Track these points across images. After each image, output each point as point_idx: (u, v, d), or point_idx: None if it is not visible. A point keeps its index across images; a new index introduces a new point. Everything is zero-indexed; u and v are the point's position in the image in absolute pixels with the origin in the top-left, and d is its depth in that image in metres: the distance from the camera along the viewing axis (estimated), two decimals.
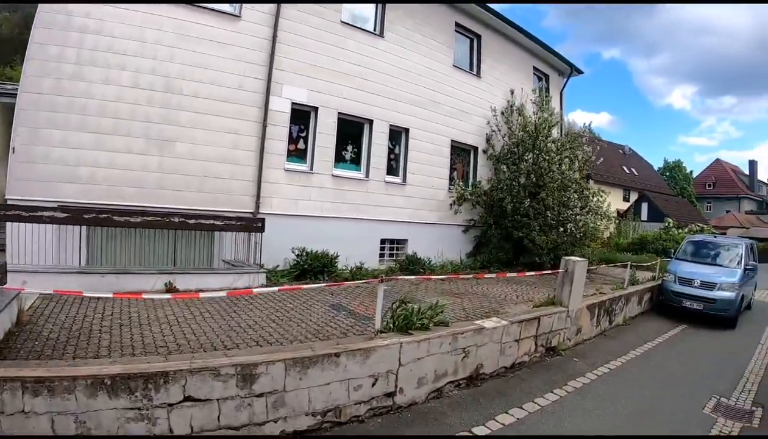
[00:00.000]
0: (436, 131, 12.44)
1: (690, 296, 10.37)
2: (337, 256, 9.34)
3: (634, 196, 41.16)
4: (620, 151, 48.97)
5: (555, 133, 13.88)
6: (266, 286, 7.90)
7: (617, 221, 30.50)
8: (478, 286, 9.69)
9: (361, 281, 6.98)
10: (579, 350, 7.53)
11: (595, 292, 9.36)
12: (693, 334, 9.55)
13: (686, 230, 24.76)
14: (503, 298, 8.72)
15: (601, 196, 13.87)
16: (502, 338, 5.99)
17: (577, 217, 12.57)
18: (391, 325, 5.19)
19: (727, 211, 51.69)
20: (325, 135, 10.17)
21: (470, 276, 8.91)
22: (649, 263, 13.28)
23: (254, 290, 6.67)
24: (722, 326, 10.07)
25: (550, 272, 8.77)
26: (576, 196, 12.86)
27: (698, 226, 28.12)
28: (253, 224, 8.34)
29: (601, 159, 14.77)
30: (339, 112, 10.37)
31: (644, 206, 38.43)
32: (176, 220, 7.56)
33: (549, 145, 12.88)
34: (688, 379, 6.61)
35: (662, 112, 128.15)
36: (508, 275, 8.64)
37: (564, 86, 17.93)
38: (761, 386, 6.52)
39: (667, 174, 53.75)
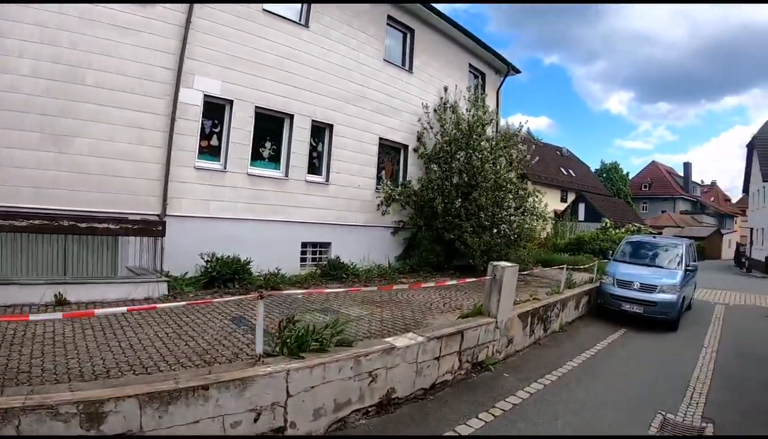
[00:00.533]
0: (363, 128, 12.58)
1: (629, 299, 10.57)
2: (250, 261, 9.24)
3: (571, 197, 43.22)
4: (558, 152, 51.35)
5: (490, 131, 14.30)
6: (168, 296, 7.67)
7: (555, 222, 32.19)
8: (404, 293, 9.69)
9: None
10: (511, 364, 7.35)
11: (530, 297, 9.34)
12: (633, 339, 9.70)
13: (623, 229, 26.18)
14: (428, 306, 8.71)
15: (537, 196, 14.35)
16: (418, 357, 5.65)
17: (512, 218, 12.96)
18: (279, 348, 4.75)
19: (663, 212, 55.95)
20: (240, 130, 10.05)
21: (394, 287, 8.17)
22: (586, 265, 13.79)
23: (158, 305, 6.19)
24: (664, 329, 10.33)
25: (474, 279, 8.52)
26: (511, 196, 13.24)
27: (635, 226, 30.08)
28: (152, 228, 8.12)
29: (537, 158, 15.50)
30: (257, 106, 10.27)
31: (581, 207, 40.55)
32: (65, 223, 7.24)
33: (483, 143, 13.28)
34: (630, 393, 6.43)
35: (600, 117, 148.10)
36: (423, 285, 8.50)
37: (501, 85, 18.57)
38: (709, 398, 6.45)
39: (604, 175, 57.21)
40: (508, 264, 7.46)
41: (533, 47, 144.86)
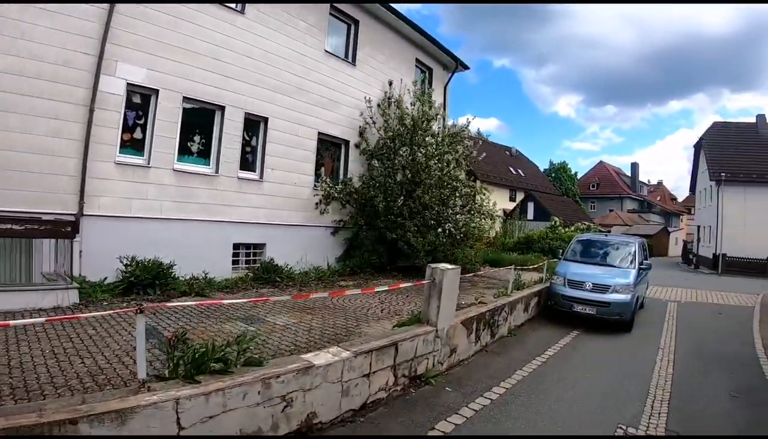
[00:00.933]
0: (300, 122, 12.50)
1: (581, 300, 10.58)
2: (173, 265, 9.03)
3: (520, 196, 44.66)
4: (507, 152, 53.28)
5: (436, 127, 14.48)
6: (79, 304, 7.40)
7: (504, 221, 33.15)
8: (339, 298, 9.50)
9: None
10: (454, 375, 7.00)
11: (475, 301, 9.17)
12: (587, 341, 9.62)
13: (573, 228, 27.22)
14: (365, 312, 8.59)
15: (484, 194, 14.63)
16: (343, 375, 5.15)
17: (458, 216, 13.12)
18: (170, 371, 4.23)
19: (611, 210, 58.77)
20: (167, 123, 9.77)
21: (312, 296, 7.30)
22: (536, 265, 14.10)
23: (81, 315, 6.02)
24: (617, 330, 10.41)
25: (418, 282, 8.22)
26: (457, 194, 13.45)
27: (584, 224, 31.28)
28: (60, 229, 7.73)
29: (484, 154, 15.79)
30: (185, 97, 10.03)
31: (530, 206, 41.93)
32: None
33: (428, 139, 13.44)
34: (586, 406, 6.19)
35: (549, 119, 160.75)
36: (344, 292, 8.46)
37: (449, 81, 18.94)
38: (672, 405, 6.33)
39: (553, 175, 59.69)
40: (449, 266, 7.07)
41: (484, 50, 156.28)
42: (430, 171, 13.03)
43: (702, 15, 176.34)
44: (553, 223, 27.83)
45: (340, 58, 13.94)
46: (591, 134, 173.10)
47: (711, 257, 33.37)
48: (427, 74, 18.06)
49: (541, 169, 59.55)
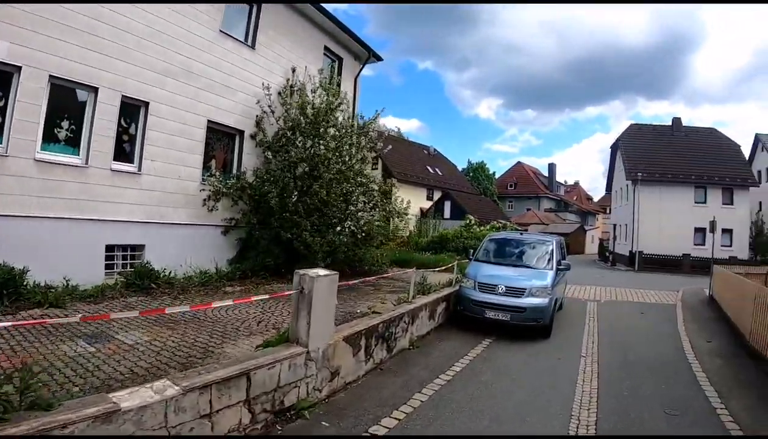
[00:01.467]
0: (187, 108, 11.98)
1: (494, 305, 10.35)
2: (26, 271, 8.35)
3: (438, 195, 46.04)
4: (425, 152, 55.21)
5: (341, 118, 14.35)
6: None
7: (419, 220, 33.86)
8: (216, 307, 8.56)
9: None
10: (336, 404, 6.30)
11: (369, 310, 8.81)
12: (501, 352, 9.31)
13: (489, 226, 28.14)
14: (238, 326, 8.03)
15: (391, 190, 14.72)
16: (169, 419, 4.25)
17: (360, 214, 13.08)
18: None
19: (528, 209, 62.00)
20: (29, 105, 9.00)
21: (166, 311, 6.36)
22: (447, 265, 14.13)
23: None
24: (535, 337, 10.28)
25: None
26: (361, 190, 13.35)
27: (500, 222, 32.55)
28: None
29: (389, 146, 15.86)
30: (52, 76, 9.30)
31: (447, 204, 43.14)
32: None
33: (330, 130, 13.36)
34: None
35: (470, 121, 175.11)
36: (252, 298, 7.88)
37: (360, 72, 19.04)
38: (600, 428, 6.02)
39: (471, 175, 62.22)
40: (323, 272, 6.35)
41: (410, 52, 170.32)
42: (329, 164, 12.83)
43: (621, 27, 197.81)
44: (468, 221, 28.61)
45: (238, 40, 13.54)
46: (510, 137, 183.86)
47: (628, 254, 36.86)
48: (336, 64, 18.00)
49: (460, 169, 61.60)
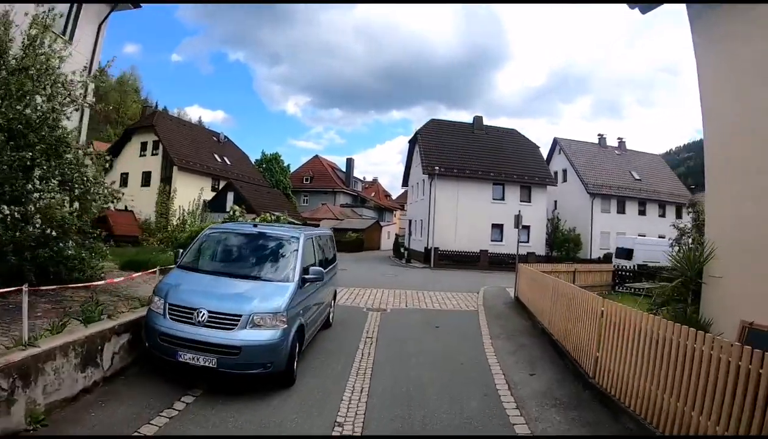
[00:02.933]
0: None
1: (190, 343, 6.63)
2: None
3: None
4: (214, 138, 51.82)
5: (44, 57, 9.49)
6: None
7: (201, 213, 30.13)
8: None
9: None
10: None
11: None
12: (204, 421, 5.96)
13: (259, 218, 25.09)
14: None
15: (94, 161, 10.61)
16: None
17: (35, 195, 8.67)
18: None
19: (323, 204, 60.81)
20: None
21: None
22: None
23: None
24: (269, 387, 7.01)
25: None
26: (43, 158, 9.02)
27: (274, 215, 29.70)
28: None
29: (100, 104, 12.28)
30: None
31: (230, 196, 40.14)
32: None
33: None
34: None
35: (276, 116, 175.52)
36: None
37: (106, 18, 15.43)
38: None
39: (264, 166, 58.89)
40: None
41: (223, 41, 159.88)
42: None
43: (432, 41, 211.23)
44: (231, 212, 24.52)
45: None
46: (315, 134, 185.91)
47: (423, 250, 35.60)
48: (75, 7, 14.57)
49: (254, 161, 58.81)
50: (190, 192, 32.69)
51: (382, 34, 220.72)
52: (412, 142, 43.24)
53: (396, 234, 59.89)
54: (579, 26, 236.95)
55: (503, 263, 32.36)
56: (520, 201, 36.21)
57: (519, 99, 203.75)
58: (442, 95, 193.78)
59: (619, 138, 50.62)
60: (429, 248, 34.99)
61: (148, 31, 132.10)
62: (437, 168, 35.32)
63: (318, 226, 51.50)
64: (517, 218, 19.02)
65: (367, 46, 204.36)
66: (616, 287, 21.11)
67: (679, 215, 43.60)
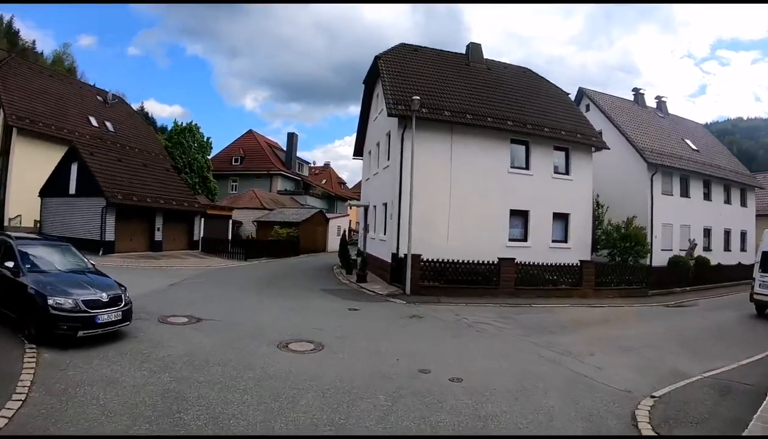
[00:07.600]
0: None
1: None
2: None
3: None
4: (99, 97, 38.97)
5: None
6: None
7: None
8: None
9: None
10: None
11: None
12: None
13: None
14: None
15: None
16: None
17: None
18: None
19: (252, 190, 45.51)
20: None
21: None
22: None
23: None
24: None
25: None
26: None
27: None
28: None
29: None
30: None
31: (74, 169, 26.19)
32: None
33: None
34: None
35: (235, 111, 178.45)
36: None
37: None
38: None
39: (174, 139, 43.41)
40: None
41: (180, 33, 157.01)
42: None
43: (392, 37, 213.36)
44: None
45: None
46: (275, 129, 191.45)
47: (390, 259, 19.84)
48: None
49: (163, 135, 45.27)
50: (39, 169, 27.26)
51: (341, 29, 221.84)
52: (370, 81, 26.75)
53: (352, 230, 45.54)
54: (538, 25, 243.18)
55: (534, 282, 18.11)
56: (555, 173, 22.06)
57: None
58: None
59: (657, 97, 36.63)
60: (399, 254, 19.08)
61: (103, 23, 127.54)
62: (416, 103, 18.20)
63: (230, 218, 36.89)
64: None
65: (326, 42, 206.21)
66: None
67: (743, 202, 32.68)
